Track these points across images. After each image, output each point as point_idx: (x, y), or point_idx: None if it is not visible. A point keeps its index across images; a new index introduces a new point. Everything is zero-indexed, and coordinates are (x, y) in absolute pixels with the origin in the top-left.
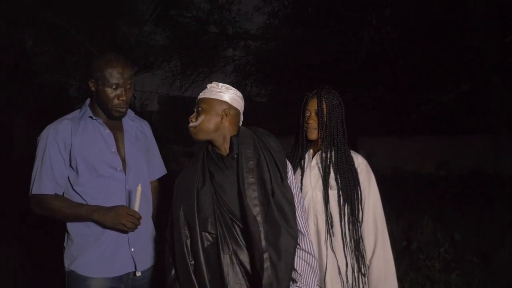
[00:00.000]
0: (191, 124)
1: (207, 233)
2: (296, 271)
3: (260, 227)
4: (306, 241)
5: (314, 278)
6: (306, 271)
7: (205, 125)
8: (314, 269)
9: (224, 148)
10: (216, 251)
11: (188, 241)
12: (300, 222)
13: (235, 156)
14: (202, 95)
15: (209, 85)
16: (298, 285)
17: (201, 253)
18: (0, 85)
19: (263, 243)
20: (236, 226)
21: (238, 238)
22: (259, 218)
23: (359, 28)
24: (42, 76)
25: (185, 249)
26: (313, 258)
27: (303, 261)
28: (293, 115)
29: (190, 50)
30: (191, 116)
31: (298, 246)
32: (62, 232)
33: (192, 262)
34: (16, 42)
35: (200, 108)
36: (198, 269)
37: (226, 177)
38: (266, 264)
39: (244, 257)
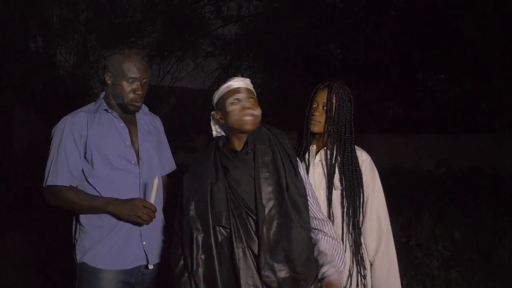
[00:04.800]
0: (256, 112)
1: (221, 227)
2: (324, 253)
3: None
4: (327, 226)
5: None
6: (329, 249)
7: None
8: (338, 251)
9: (240, 143)
10: (229, 245)
11: (200, 236)
12: (313, 211)
13: (249, 151)
14: (245, 84)
15: (236, 78)
16: (328, 267)
17: (213, 247)
18: (4, 71)
19: (273, 233)
20: (251, 219)
21: (252, 231)
22: (273, 212)
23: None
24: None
25: (196, 244)
26: (337, 242)
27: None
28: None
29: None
30: (252, 103)
31: (321, 231)
32: (67, 224)
33: (203, 257)
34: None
35: (251, 99)
36: (209, 263)
37: (241, 171)
38: (280, 256)
39: (258, 250)
